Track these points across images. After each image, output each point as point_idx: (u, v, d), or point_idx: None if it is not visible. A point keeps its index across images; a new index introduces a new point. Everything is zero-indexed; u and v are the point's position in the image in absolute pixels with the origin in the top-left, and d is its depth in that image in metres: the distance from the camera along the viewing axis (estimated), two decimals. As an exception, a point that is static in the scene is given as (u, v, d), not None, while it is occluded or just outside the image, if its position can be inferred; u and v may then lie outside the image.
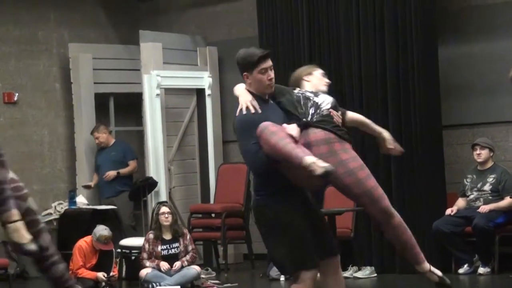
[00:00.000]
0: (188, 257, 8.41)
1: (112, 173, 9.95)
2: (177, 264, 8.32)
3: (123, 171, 10.04)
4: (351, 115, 5.09)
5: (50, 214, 10.02)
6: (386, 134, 4.91)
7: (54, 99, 10.47)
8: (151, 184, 9.69)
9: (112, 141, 10.15)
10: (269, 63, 4.74)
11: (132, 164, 10.14)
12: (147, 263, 8.38)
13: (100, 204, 10.01)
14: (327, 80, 5.11)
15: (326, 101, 4.84)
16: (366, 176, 4.69)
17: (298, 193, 4.66)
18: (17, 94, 10.20)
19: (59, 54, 10.47)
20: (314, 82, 5.03)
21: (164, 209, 8.53)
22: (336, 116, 4.81)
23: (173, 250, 8.45)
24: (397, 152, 4.98)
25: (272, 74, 4.74)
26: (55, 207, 10.14)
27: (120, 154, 10.12)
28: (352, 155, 4.71)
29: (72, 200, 9.96)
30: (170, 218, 8.46)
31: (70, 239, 9.10)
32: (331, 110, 4.79)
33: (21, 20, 10.30)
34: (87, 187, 10.11)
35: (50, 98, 10.45)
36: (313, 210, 4.77)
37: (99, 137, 10.04)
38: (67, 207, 9.99)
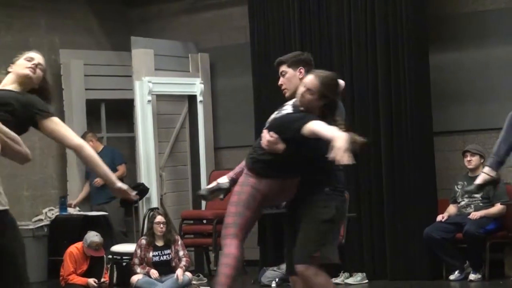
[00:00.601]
0: (184, 262, 8.41)
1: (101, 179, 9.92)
2: (178, 272, 8.30)
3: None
4: (309, 127, 4.60)
5: (41, 220, 9.99)
6: (338, 142, 4.40)
7: (45, 105, 10.45)
8: (143, 190, 9.67)
9: (101, 147, 10.12)
10: (280, 69, 4.99)
11: (121, 169, 10.12)
12: (138, 269, 8.37)
13: (91, 211, 9.99)
14: None
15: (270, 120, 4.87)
16: (229, 211, 4.85)
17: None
18: (8, 100, 10.18)
19: (50, 60, 10.45)
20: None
21: (160, 218, 8.53)
22: (265, 137, 4.71)
23: (164, 257, 8.45)
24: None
25: (281, 80, 5.00)
26: (46, 213, 10.11)
27: (108, 160, 10.09)
28: (237, 190, 4.83)
29: (63, 206, 9.93)
30: (164, 228, 8.48)
31: (61, 245, 9.09)
32: (264, 131, 4.78)
33: (12, 26, 10.29)
34: (72, 205, 10.06)
35: (41, 104, 10.42)
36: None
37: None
38: (58, 213, 9.96)
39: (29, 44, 10.39)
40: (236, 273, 4.79)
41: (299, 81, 4.86)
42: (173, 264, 8.44)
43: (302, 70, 4.93)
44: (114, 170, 10.10)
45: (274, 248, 9.07)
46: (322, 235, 4.76)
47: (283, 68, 4.97)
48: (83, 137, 10.03)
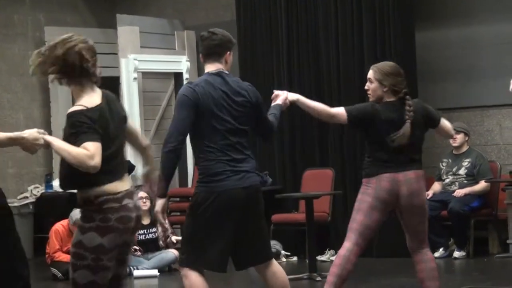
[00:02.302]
0: (172, 238, 8.43)
1: None
2: (173, 238, 8.35)
3: None
4: None
5: (26, 197, 9.98)
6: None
7: (29, 83, 10.40)
8: (129, 168, 9.64)
9: None
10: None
11: None
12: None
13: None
14: None
15: None
16: None
17: None
18: (-8, 77, 10.14)
19: (35, 37, 10.39)
20: None
21: (142, 193, 8.52)
22: None
23: (150, 235, 8.46)
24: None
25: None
26: (31, 190, 10.09)
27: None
28: None
29: (48, 184, 9.92)
30: (148, 203, 8.46)
31: (47, 223, 9.09)
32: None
33: (-3, 3, 10.22)
34: None
35: (26, 82, 10.38)
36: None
37: None
38: (43, 191, 9.95)
39: (14, 21, 10.33)
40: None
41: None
42: (160, 242, 8.46)
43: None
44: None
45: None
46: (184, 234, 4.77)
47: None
48: None
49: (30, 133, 3.77)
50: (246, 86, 4.79)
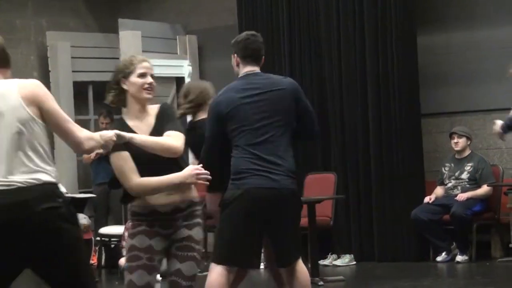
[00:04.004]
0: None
1: (92, 154, 9.69)
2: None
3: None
4: None
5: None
6: None
7: (32, 87, 10.41)
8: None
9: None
10: None
11: None
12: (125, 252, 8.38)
13: (93, 189, 9.96)
14: None
15: None
16: None
17: None
18: (-5, 82, 10.14)
19: (37, 42, 10.40)
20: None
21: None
22: None
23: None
24: None
25: None
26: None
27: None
28: None
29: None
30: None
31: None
32: None
33: (-1, 8, 10.23)
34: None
35: (29, 86, 10.37)
36: None
37: (104, 123, 9.89)
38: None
39: (16, 26, 10.34)
40: None
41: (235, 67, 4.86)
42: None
43: (235, 56, 4.87)
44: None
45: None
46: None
47: None
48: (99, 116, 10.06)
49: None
50: (283, 81, 4.78)
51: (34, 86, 3.56)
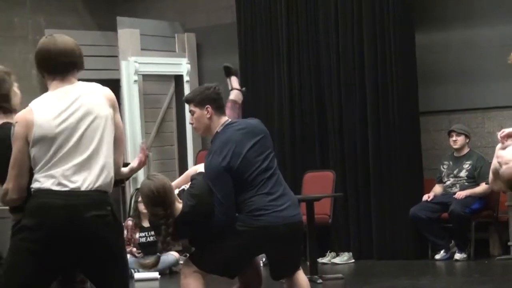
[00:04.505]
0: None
1: None
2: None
3: None
4: None
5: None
6: None
7: (30, 86, 10.38)
8: (129, 170, 9.65)
9: None
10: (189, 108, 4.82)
11: None
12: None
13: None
14: None
15: None
16: None
17: None
18: (-7, 80, 10.12)
19: (35, 40, 10.36)
20: None
21: (143, 196, 8.51)
22: None
23: (151, 238, 8.45)
24: None
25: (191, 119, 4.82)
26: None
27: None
28: None
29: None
30: (148, 205, 8.45)
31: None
32: None
33: (-3, 6, 10.22)
34: None
35: (26, 85, 10.33)
36: None
37: None
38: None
39: (14, 24, 10.33)
40: None
41: (207, 120, 4.68)
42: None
43: (209, 109, 4.69)
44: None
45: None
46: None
47: (191, 107, 4.76)
48: None
49: None
50: (253, 122, 4.82)
51: (110, 91, 3.72)
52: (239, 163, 4.54)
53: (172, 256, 8.42)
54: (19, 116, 3.61)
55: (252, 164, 4.56)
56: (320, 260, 8.47)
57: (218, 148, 4.58)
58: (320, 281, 7.45)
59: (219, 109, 4.71)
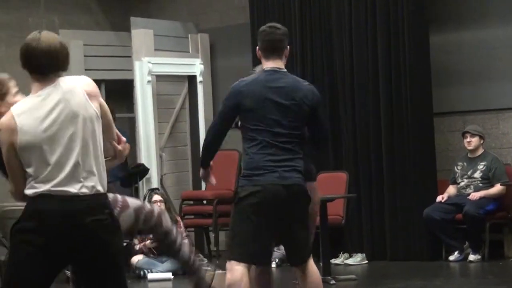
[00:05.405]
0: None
1: None
2: None
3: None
4: None
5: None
6: None
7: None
8: (143, 170, 9.68)
9: None
10: None
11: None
12: (137, 247, 8.41)
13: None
14: None
15: None
16: None
17: None
18: (7, 80, 10.16)
19: (49, 40, 10.40)
20: None
21: (157, 197, 8.53)
22: None
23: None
24: None
25: None
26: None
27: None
28: None
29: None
30: (163, 206, 8.47)
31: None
32: None
33: (11, 5, 10.25)
34: None
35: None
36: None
37: None
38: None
39: (28, 24, 10.36)
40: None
41: None
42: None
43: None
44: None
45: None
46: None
47: None
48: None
49: None
50: (304, 86, 4.73)
51: (91, 81, 3.59)
52: None
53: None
54: (3, 123, 3.51)
55: None
56: (333, 261, 8.46)
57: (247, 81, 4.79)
58: (333, 282, 7.44)
59: (263, 51, 4.84)
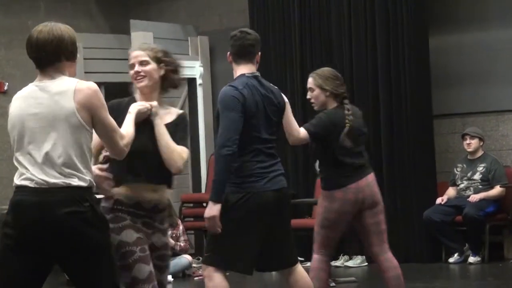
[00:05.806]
0: (181, 244, 8.42)
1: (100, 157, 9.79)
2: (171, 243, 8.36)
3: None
4: None
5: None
6: None
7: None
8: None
9: None
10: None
11: None
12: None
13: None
14: None
15: None
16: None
17: None
18: (7, 83, 10.17)
19: (50, 43, 10.42)
20: None
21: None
22: None
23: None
24: None
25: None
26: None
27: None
28: None
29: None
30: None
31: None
32: None
33: (11, 9, 10.26)
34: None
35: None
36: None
37: None
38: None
39: (28, 27, 10.37)
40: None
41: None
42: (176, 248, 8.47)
43: None
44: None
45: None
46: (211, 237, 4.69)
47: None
48: None
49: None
50: (276, 90, 4.80)
51: (91, 92, 3.57)
52: None
53: (185, 259, 8.43)
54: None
55: None
56: (333, 263, 8.46)
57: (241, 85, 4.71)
58: (333, 284, 7.44)
59: (234, 56, 4.80)
